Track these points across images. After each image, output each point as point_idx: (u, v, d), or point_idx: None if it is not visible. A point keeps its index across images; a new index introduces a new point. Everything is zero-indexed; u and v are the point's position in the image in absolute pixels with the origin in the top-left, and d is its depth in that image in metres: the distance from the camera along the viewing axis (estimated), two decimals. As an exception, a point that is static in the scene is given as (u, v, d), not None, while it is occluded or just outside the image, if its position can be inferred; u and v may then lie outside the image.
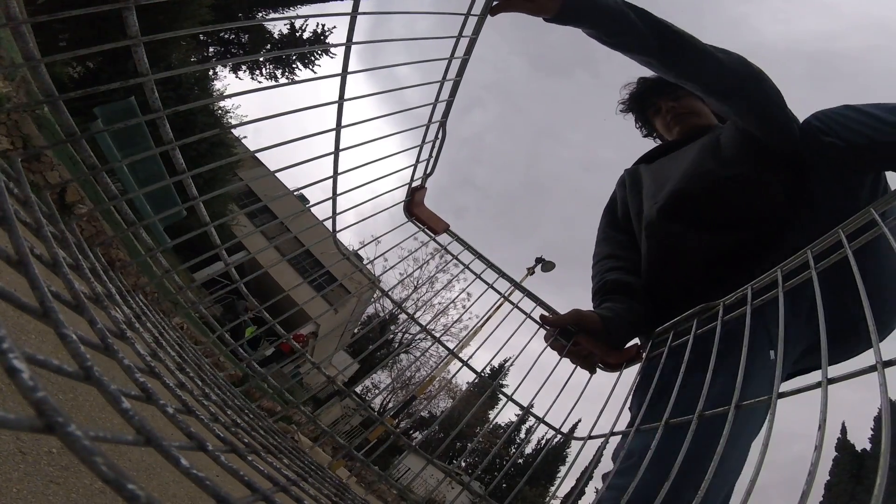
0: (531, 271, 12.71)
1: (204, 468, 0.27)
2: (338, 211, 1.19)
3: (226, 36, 16.41)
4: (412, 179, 1.37)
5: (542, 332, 1.20)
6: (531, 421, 1.11)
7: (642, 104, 1.47)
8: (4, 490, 0.94)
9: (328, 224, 1.26)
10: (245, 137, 15.83)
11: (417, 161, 1.29)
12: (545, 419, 1.09)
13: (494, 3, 0.97)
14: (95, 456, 0.19)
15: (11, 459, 1.03)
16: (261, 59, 17.43)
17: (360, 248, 1.36)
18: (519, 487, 1.01)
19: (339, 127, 0.98)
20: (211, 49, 16.65)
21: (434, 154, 1.31)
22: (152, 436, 0.26)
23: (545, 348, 1.15)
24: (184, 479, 0.27)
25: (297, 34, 17.03)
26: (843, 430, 34.66)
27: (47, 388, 1.37)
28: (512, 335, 1.22)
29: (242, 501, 0.28)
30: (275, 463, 0.54)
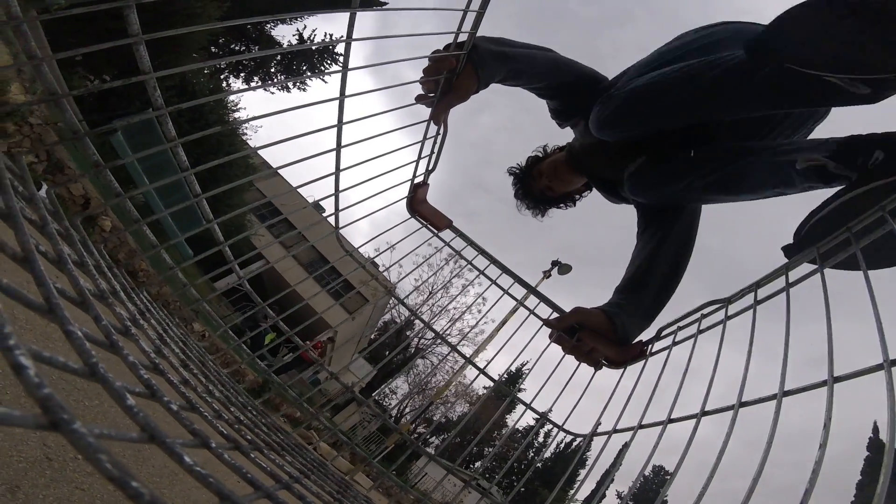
0: (547, 274, 12.63)
1: (208, 465, 0.27)
2: (343, 207, 1.19)
3: (236, 48, 16.71)
4: (414, 176, 1.37)
5: (547, 329, 1.20)
6: (540, 417, 1.11)
7: (529, 187, 1.64)
8: (31, 495, 0.96)
9: (332, 221, 1.26)
10: (251, 140, 16.11)
11: (419, 157, 1.29)
12: (552, 418, 1.09)
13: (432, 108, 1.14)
14: (100, 453, 0.19)
15: (38, 465, 1.05)
16: (272, 69, 17.74)
17: (364, 244, 1.36)
18: (523, 482, 1.02)
19: (340, 124, 0.98)
20: (223, 63, 16.92)
21: (436, 150, 1.31)
22: (156, 433, 0.26)
23: (549, 344, 1.15)
24: (182, 467, 0.28)
25: (306, 44, 17.37)
26: (875, 429, 34.00)
27: (74, 395, 1.39)
28: (516, 330, 1.22)
29: (246, 499, 0.28)
30: (277, 460, 0.54)
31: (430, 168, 1.37)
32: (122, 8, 0.61)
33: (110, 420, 1.48)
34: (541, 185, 1.57)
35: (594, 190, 1.54)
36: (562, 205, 1.64)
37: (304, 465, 0.64)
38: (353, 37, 0.85)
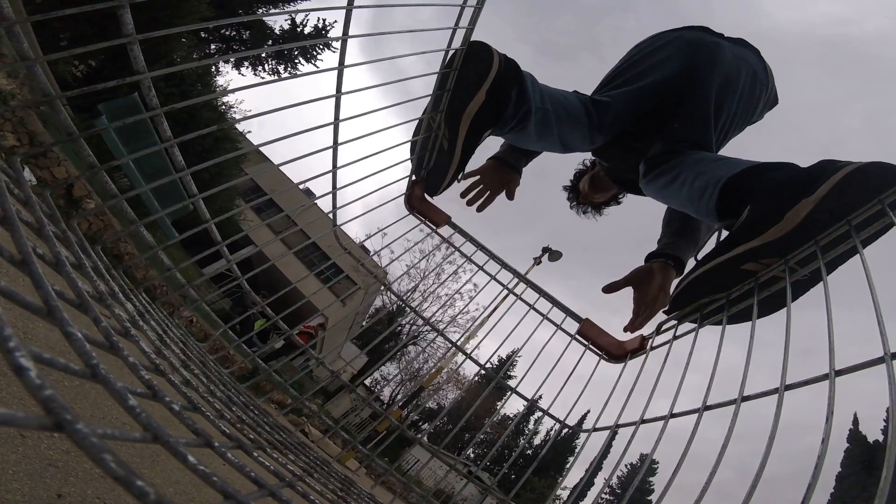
0: (538, 261, 12.69)
1: (211, 464, 0.27)
2: (342, 204, 1.19)
3: (227, 33, 16.37)
4: (411, 173, 1.37)
5: (547, 323, 1.21)
6: (539, 411, 1.11)
7: (577, 189, 1.91)
8: (0, 472, 0.93)
9: (331, 217, 1.25)
10: (249, 132, 15.89)
11: (415, 153, 1.28)
12: (550, 411, 1.10)
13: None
14: (104, 453, 0.19)
15: (11, 442, 1.02)
16: (263, 54, 17.42)
17: (365, 240, 1.36)
18: (525, 477, 1.02)
19: (336, 121, 0.97)
20: (213, 46, 16.62)
21: (432, 146, 1.31)
22: (159, 433, 0.26)
23: (549, 339, 1.15)
24: (186, 467, 0.27)
25: (299, 29, 16.98)
26: (856, 421, 34.16)
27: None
28: (516, 326, 1.22)
29: (250, 497, 0.28)
30: (280, 459, 0.54)
31: (426, 165, 1.37)
32: (116, 7, 0.60)
33: (109, 422, 1.47)
34: (586, 199, 1.83)
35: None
36: (613, 202, 1.86)
37: (308, 464, 0.64)
38: (349, 30, 0.84)
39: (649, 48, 1.31)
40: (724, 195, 0.88)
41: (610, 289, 1.24)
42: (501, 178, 1.49)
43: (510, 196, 1.51)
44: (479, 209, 1.48)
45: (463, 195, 1.47)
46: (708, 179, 0.94)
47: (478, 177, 1.47)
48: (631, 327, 1.21)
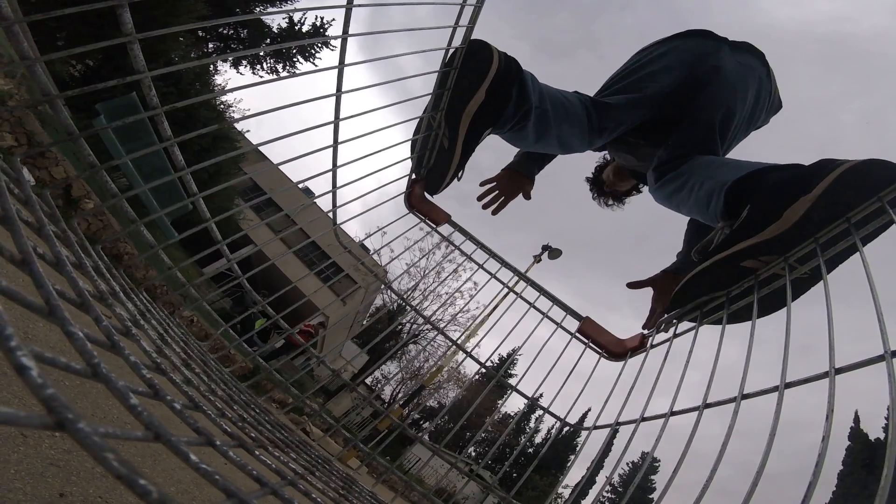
0: (538, 259, 12.70)
1: (212, 463, 0.27)
2: (342, 203, 1.19)
3: (224, 31, 16.31)
4: (411, 172, 1.37)
5: (547, 321, 1.21)
6: (540, 410, 1.11)
7: (602, 190, 1.92)
8: (2, 471, 0.92)
9: (331, 216, 1.25)
10: (248, 131, 15.83)
11: (416, 152, 1.28)
12: (550, 409, 1.10)
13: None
14: (107, 452, 0.19)
15: (12, 441, 1.02)
16: (261, 53, 17.35)
17: (365, 239, 1.36)
18: (526, 476, 1.02)
19: (337, 120, 0.97)
20: (210, 45, 16.55)
21: (432, 145, 1.31)
22: (161, 432, 0.26)
23: (550, 337, 1.15)
24: (188, 466, 0.28)
25: (297, 28, 16.94)
26: (857, 419, 34.31)
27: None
28: (516, 324, 1.22)
29: (252, 496, 0.28)
30: (282, 457, 0.54)
31: (426, 163, 1.37)
32: (115, 7, 0.60)
33: (110, 421, 1.47)
34: (609, 189, 1.85)
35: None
36: (634, 192, 1.88)
37: (309, 462, 0.64)
38: (349, 28, 0.84)
39: (651, 55, 1.30)
40: (728, 199, 0.89)
41: (633, 286, 1.30)
42: (515, 184, 1.57)
43: (527, 197, 1.59)
44: (494, 213, 1.56)
45: (479, 199, 1.55)
46: (714, 185, 0.95)
47: (493, 183, 1.55)
48: (648, 324, 1.26)
